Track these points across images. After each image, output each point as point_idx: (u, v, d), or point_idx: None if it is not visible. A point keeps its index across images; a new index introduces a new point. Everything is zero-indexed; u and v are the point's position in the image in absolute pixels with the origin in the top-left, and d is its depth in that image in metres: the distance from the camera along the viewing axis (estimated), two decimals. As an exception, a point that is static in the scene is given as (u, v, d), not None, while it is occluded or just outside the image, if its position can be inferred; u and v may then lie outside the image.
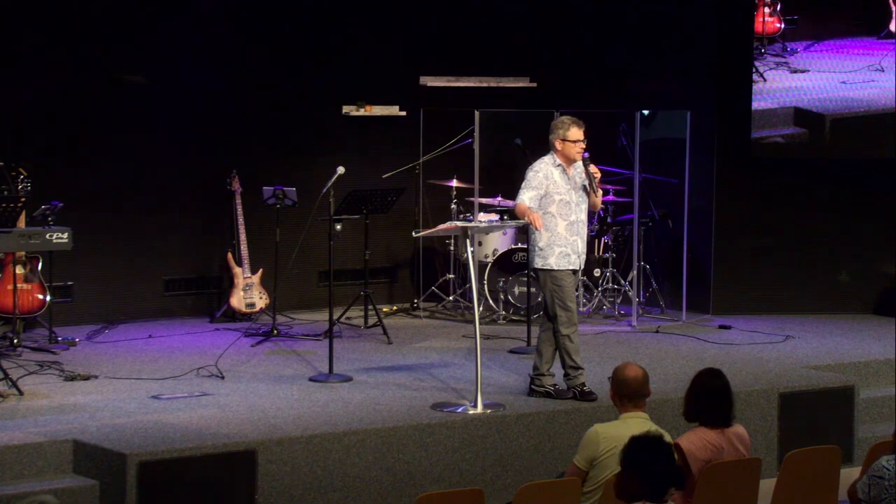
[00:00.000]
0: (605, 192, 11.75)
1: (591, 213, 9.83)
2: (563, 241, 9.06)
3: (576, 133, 9.06)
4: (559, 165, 9.10)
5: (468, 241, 9.28)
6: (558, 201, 9.07)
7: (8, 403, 8.73)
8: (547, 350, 9.17)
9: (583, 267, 9.30)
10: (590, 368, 9.50)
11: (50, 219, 10.24)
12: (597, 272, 12.57)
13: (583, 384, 9.07)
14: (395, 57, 13.00)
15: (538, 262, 9.13)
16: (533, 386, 9.19)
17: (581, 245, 9.15)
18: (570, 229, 9.10)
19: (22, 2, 11.38)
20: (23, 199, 9.72)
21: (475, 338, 8.94)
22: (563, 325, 9.04)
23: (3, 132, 11.10)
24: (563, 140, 9.06)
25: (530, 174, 9.11)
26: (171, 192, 12.09)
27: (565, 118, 9.17)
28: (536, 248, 9.12)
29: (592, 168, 9.18)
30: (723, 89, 12.64)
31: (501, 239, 12.32)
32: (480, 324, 9.28)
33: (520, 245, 12.09)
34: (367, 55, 12.88)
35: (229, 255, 12.05)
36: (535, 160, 9.14)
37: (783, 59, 12.49)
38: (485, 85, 13.19)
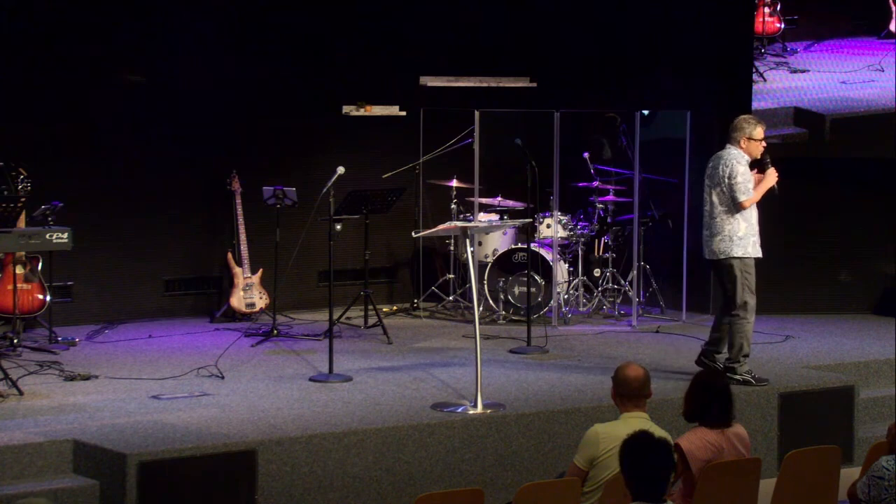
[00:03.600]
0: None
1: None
2: (754, 231, 9.61)
3: (760, 132, 9.61)
4: (745, 159, 9.58)
5: (468, 241, 9.28)
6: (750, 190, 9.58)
7: (8, 403, 8.73)
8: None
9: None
10: (590, 368, 9.52)
11: (50, 219, 10.24)
12: (597, 272, 12.56)
13: (750, 370, 9.59)
14: (395, 57, 13.00)
15: (737, 251, 9.55)
16: (736, 376, 9.44)
17: None
18: (754, 220, 9.64)
19: (22, 2, 11.38)
20: (23, 199, 9.71)
21: (475, 338, 8.94)
22: (751, 312, 9.57)
23: (3, 132, 11.10)
24: (749, 138, 9.57)
25: (741, 168, 9.53)
26: (171, 192, 12.08)
27: (751, 118, 9.74)
28: (735, 238, 9.55)
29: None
30: (723, 89, 12.64)
31: (501, 239, 12.31)
32: (480, 324, 9.29)
33: (520, 245, 12.09)
34: (367, 55, 12.88)
35: (229, 255, 12.05)
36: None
37: (783, 59, 12.49)
38: (485, 85, 13.18)
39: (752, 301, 9.61)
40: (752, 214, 9.63)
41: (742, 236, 9.55)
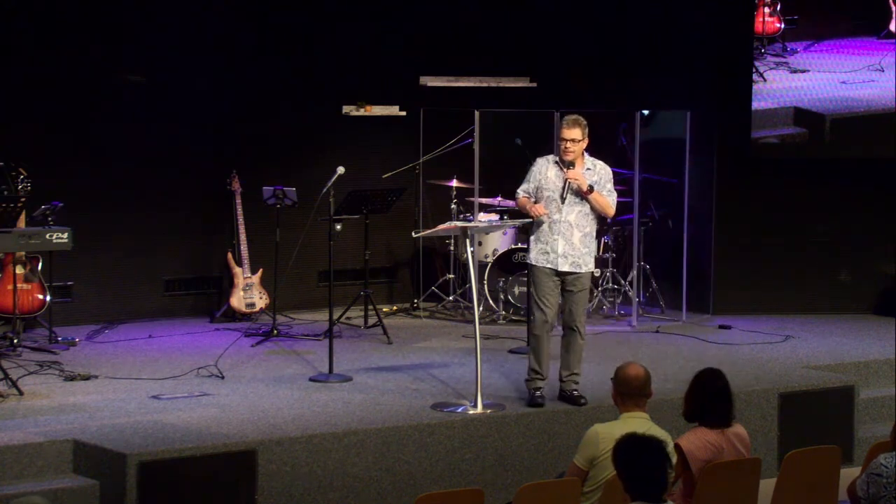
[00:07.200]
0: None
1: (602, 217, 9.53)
2: (543, 239, 8.96)
3: (563, 132, 8.96)
4: (557, 163, 9.03)
5: (468, 241, 9.28)
6: (545, 197, 8.99)
7: (8, 403, 8.73)
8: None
9: (560, 268, 8.99)
10: (589, 368, 9.50)
11: (50, 219, 10.24)
12: (597, 272, 12.55)
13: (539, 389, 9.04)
14: (395, 57, 13.00)
15: (530, 256, 9.10)
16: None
17: (563, 246, 8.96)
18: (552, 228, 8.98)
19: (22, 2, 11.38)
20: (23, 199, 9.71)
21: (475, 338, 8.94)
22: (539, 326, 9.02)
23: (3, 132, 11.10)
24: (560, 138, 9.03)
25: (534, 168, 9.07)
26: (171, 192, 12.08)
27: (566, 117, 9.06)
28: (530, 241, 9.10)
29: (570, 174, 8.96)
30: (723, 89, 12.65)
31: (501, 239, 12.32)
32: (480, 324, 9.29)
33: (520, 245, 12.09)
34: (367, 55, 12.88)
35: (229, 255, 12.05)
36: (535, 160, 9.09)
37: (783, 59, 12.49)
38: (485, 85, 13.18)
39: (538, 314, 8.94)
40: (544, 221, 8.95)
41: (533, 240, 9.02)
